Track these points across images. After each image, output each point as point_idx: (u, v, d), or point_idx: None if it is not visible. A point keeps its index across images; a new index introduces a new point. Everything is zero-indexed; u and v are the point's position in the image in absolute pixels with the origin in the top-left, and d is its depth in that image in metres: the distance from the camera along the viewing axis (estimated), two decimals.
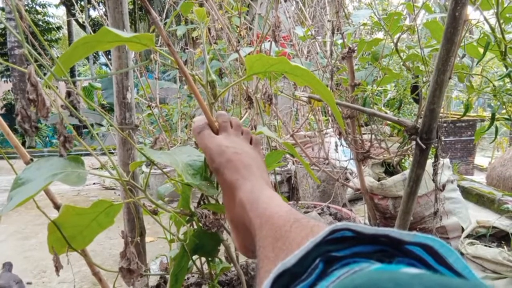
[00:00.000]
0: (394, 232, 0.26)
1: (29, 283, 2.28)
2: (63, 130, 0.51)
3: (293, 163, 3.52)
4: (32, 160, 0.68)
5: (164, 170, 0.64)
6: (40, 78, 0.49)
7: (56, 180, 0.46)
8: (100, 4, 9.80)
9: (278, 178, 3.45)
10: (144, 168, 3.47)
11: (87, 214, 0.59)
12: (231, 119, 0.61)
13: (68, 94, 0.53)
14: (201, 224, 0.60)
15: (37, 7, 13.71)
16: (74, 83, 0.53)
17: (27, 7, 12.82)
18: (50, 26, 13.97)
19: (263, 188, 0.50)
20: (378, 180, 2.10)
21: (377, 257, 0.26)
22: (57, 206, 0.74)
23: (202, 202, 0.76)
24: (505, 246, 1.66)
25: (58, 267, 0.58)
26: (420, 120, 0.78)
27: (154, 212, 0.71)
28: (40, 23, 13.51)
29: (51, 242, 0.58)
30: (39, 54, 0.68)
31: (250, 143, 0.61)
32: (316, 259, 0.26)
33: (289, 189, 3.43)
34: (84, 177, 0.50)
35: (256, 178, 0.52)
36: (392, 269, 0.25)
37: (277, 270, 0.25)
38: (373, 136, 1.67)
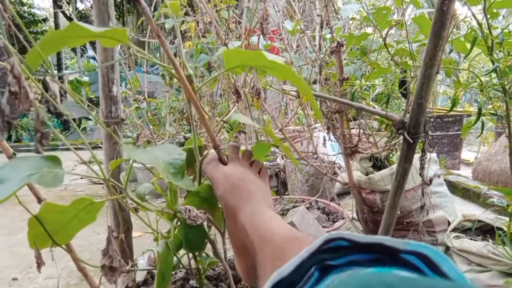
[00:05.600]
0: (388, 240, 0.27)
1: (14, 279, 2.25)
2: (39, 127, 0.49)
3: (282, 158, 3.52)
4: (14, 154, 0.67)
5: (148, 166, 0.63)
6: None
7: (32, 182, 0.45)
8: None
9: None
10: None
11: (68, 212, 0.57)
12: (244, 151, 0.65)
13: (44, 85, 0.51)
14: (186, 218, 0.59)
15: None
16: (60, 77, 0.52)
17: None
18: (36, 18, 13.69)
19: (264, 210, 0.51)
20: (366, 175, 2.11)
21: (372, 265, 0.26)
22: (41, 201, 0.72)
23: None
24: (490, 240, 1.68)
25: (40, 264, 0.57)
26: (408, 115, 0.78)
27: (137, 210, 0.70)
28: (26, 15, 13.23)
29: (32, 237, 0.57)
30: (24, 47, 0.66)
31: (259, 173, 0.63)
32: (311, 267, 0.27)
33: (278, 183, 3.43)
34: (61, 178, 0.48)
35: (258, 201, 0.53)
36: (384, 271, 0.25)
37: (273, 278, 0.26)
38: (361, 131, 1.67)
